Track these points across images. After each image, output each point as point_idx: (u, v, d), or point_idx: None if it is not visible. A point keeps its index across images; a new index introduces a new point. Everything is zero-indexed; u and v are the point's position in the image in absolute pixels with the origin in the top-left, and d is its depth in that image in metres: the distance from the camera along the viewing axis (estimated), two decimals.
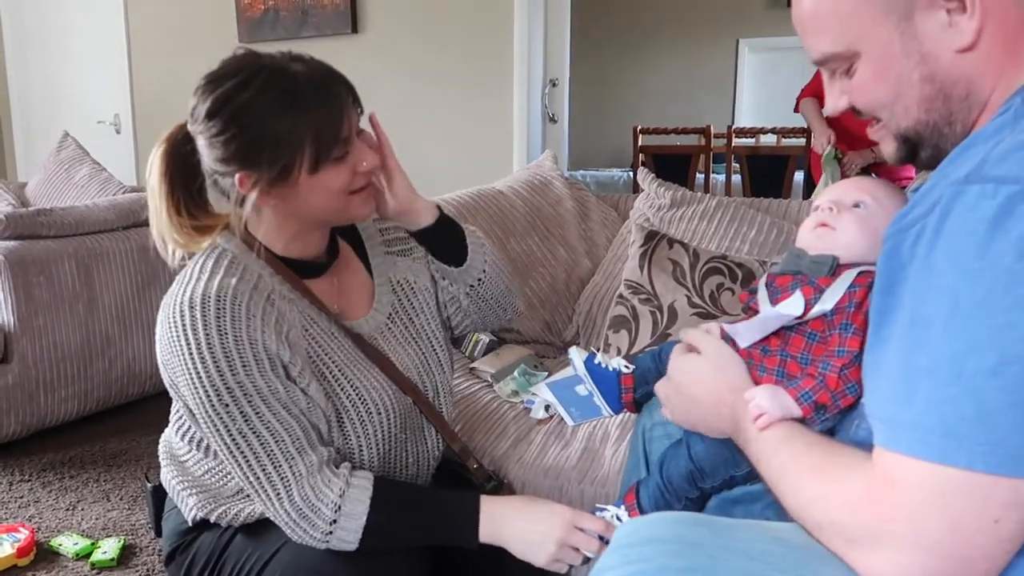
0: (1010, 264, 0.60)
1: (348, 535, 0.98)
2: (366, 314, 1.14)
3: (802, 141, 4.22)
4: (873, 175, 2.85)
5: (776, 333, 0.92)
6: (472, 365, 1.81)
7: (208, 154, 1.00)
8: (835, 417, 0.87)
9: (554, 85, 3.31)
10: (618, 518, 0.99)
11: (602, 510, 1.01)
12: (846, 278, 0.90)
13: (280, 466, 0.97)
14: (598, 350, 1.16)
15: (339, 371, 1.05)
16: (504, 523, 1.01)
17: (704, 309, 1.75)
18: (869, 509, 0.65)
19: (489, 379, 1.71)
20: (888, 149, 0.83)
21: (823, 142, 2.90)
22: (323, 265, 1.12)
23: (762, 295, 0.95)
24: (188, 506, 1.11)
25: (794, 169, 4.07)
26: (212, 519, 1.09)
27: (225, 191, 1.02)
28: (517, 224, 2.07)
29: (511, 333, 1.97)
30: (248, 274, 1.01)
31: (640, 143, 4.42)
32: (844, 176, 2.89)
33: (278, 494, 0.98)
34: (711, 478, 0.95)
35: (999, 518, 0.60)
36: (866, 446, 0.81)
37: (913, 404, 0.63)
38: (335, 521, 0.97)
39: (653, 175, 2.12)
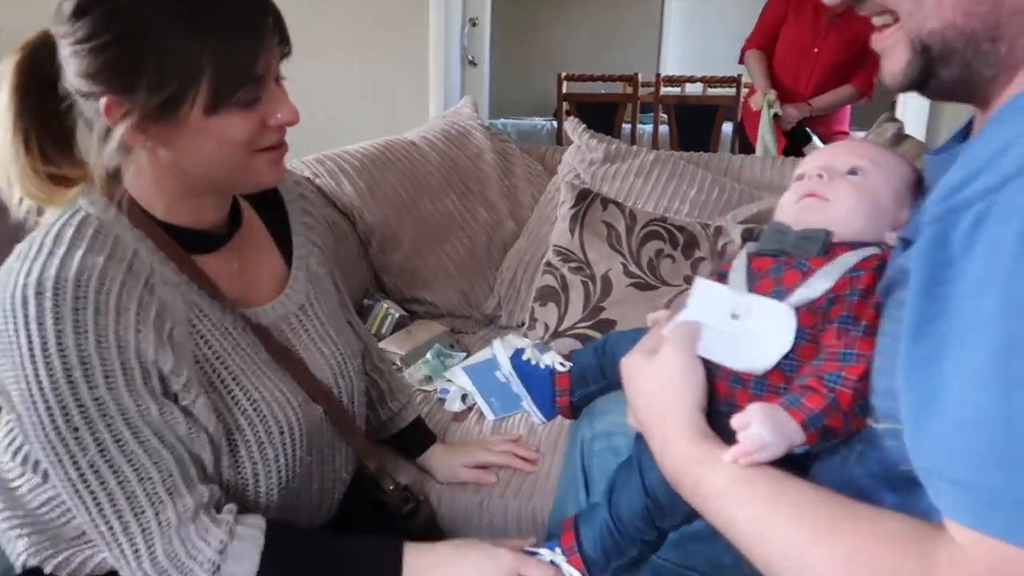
0: None
1: None
2: (273, 300, 0.91)
3: (730, 91, 4.08)
4: (807, 129, 2.69)
5: None
6: (379, 345, 1.58)
7: (71, 66, 0.73)
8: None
9: (473, 25, 3.04)
10: (553, 563, 0.79)
11: (533, 554, 0.81)
12: (844, 260, 0.71)
13: (143, 513, 0.74)
14: (524, 333, 0.96)
15: (233, 380, 0.81)
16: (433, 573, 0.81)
17: (642, 279, 1.56)
18: None
19: (398, 362, 1.48)
20: (895, 62, 0.62)
21: (759, 99, 2.73)
22: (219, 237, 0.87)
23: (738, 281, 0.75)
24: (16, 549, 0.85)
25: (723, 120, 3.92)
26: (48, 569, 0.84)
27: (88, 120, 0.75)
28: (432, 180, 1.83)
29: (424, 305, 1.74)
30: (120, 249, 0.75)
31: (564, 90, 4.19)
32: (780, 131, 2.74)
33: (136, 550, 0.74)
34: (671, 515, 0.76)
35: None
36: (875, 485, 0.63)
37: None
38: None
39: (584, 126, 1.91)
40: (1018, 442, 0.45)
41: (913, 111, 2.60)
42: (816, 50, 2.71)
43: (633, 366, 0.75)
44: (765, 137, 2.68)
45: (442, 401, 1.37)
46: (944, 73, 0.60)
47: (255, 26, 0.75)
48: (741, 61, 2.94)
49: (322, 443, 0.92)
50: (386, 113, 3.02)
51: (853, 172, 0.78)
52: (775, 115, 2.70)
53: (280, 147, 0.82)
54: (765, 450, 0.62)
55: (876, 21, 0.64)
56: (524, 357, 0.90)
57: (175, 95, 0.72)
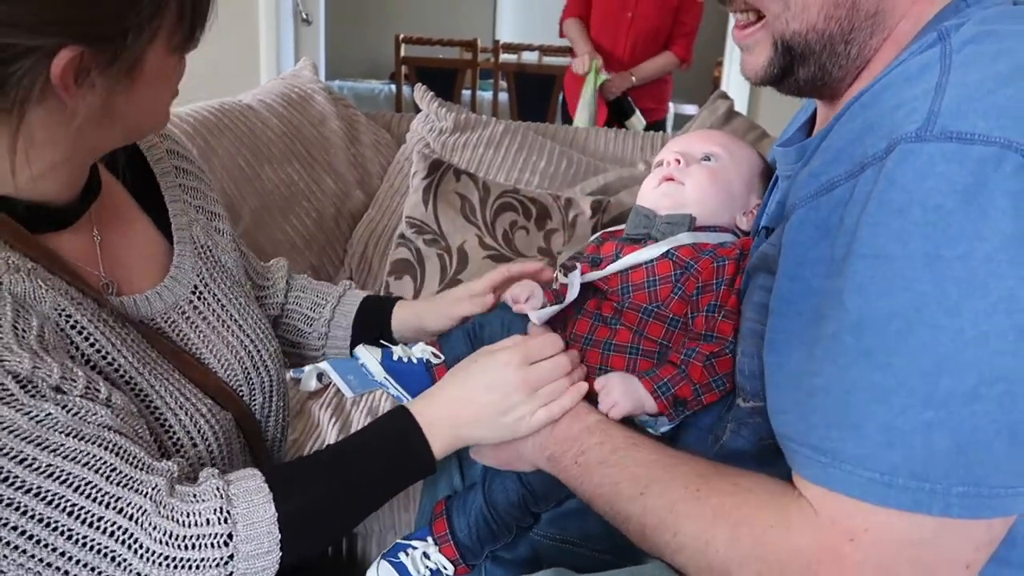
0: (990, 253, 0.47)
1: (258, 546, 0.63)
2: (155, 285, 0.76)
3: (566, 61, 4.15)
4: (629, 99, 2.74)
5: (629, 316, 0.75)
6: None
7: None
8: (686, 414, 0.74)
9: None
10: (426, 555, 0.78)
11: (404, 547, 0.79)
12: (680, 238, 0.78)
13: (103, 520, 0.59)
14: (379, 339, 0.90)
15: (136, 378, 0.68)
16: (453, 423, 0.71)
17: (497, 251, 1.56)
18: (824, 570, 0.52)
19: None
20: (757, 60, 0.66)
21: (584, 62, 2.70)
22: (71, 210, 0.70)
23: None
24: None
25: (560, 90, 3.99)
26: None
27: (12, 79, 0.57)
28: (273, 147, 1.72)
29: None
30: None
31: (403, 53, 4.10)
32: (602, 100, 2.74)
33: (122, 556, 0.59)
34: (546, 500, 0.78)
35: (971, 562, 0.51)
36: (745, 457, 0.67)
37: (865, 433, 0.50)
38: (229, 536, 0.61)
39: (432, 93, 1.87)
40: (856, 408, 0.50)
41: (736, 87, 2.77)
42: (630, 15, 2.70)
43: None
44: (586, 107, 2.67)
45: (297, 381, 1.31)
46: (801, 72, 0.65)
47: None
48: (562, 34, 2.92)
49: (233, 453, 0.77)
50: (212, 72, 2.80)
51: (707, 158, 0.83)
52: (602, 83, 2.66)
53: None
54: (616, 408, 0.70)
55: (739, 18, 0.67)
56: (395, 358, 0.86)
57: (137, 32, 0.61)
